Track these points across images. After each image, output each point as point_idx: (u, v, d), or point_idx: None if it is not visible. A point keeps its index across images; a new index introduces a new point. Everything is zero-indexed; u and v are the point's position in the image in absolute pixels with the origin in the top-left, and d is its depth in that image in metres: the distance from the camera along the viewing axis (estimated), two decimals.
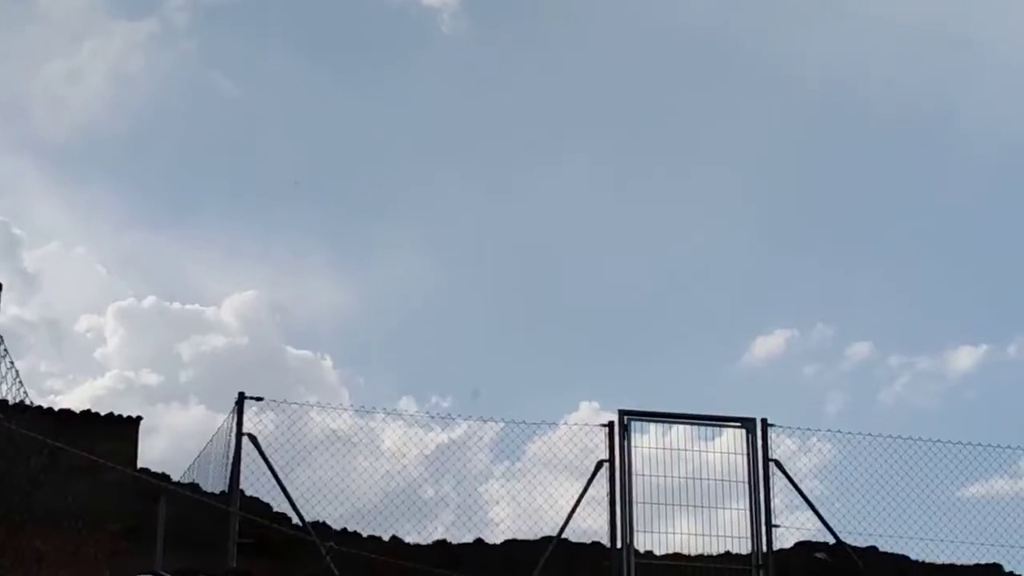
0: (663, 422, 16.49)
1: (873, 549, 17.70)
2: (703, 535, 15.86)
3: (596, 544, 17.49)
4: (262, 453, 15.60)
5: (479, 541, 18.59)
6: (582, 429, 16.23)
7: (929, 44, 46.74)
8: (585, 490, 15.99)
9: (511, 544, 18.88)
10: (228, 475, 15.62)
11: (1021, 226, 44.84)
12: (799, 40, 47.72)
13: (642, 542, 15.71)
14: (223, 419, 15.90)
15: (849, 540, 16.38)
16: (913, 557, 17.75)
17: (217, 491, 15.89)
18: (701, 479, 15.92)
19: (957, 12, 47.42)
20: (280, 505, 15.76)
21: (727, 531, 15.85)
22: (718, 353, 43.20)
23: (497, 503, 16.74)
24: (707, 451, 16.17)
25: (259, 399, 15.76)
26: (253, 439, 15.61)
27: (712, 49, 47.86)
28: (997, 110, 45.72)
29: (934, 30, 46.87)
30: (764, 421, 16.24)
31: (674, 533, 15.75)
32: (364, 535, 17.55)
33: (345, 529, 17.20)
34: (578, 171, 46.64)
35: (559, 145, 47.92)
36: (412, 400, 39.48)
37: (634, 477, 15.93)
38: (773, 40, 47.91)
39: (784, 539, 16.25)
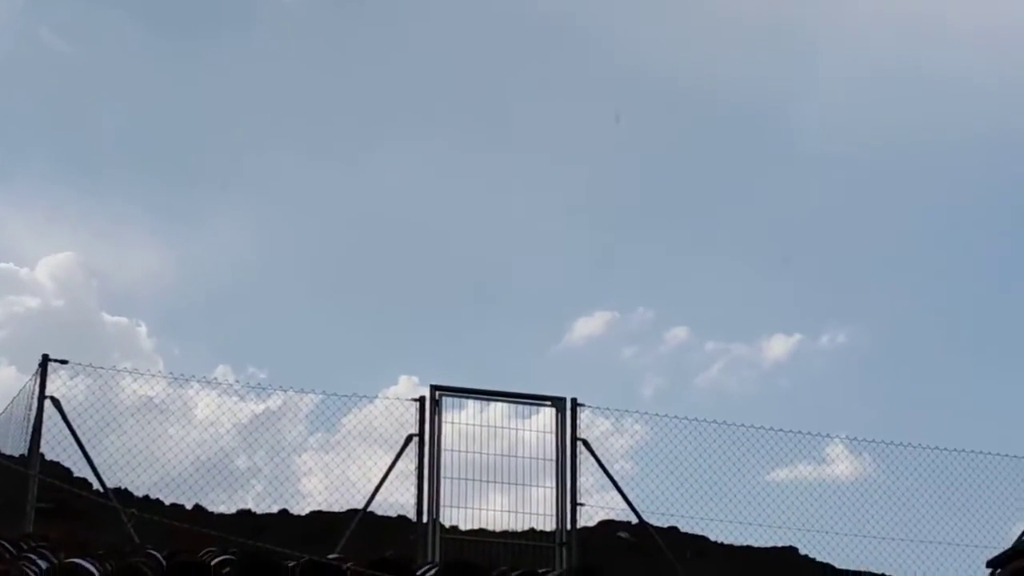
0: (473, 398, 16.53)
1: (674, 529, 18.00)
2: (512, 512, 15.96)
3: (402, 518, 17.47)
4: (64, 417, 15.25)
5: (284, 512, 18.44)
6: (398, 403, 16.17)
7: (767, 42, 47.59)
8: (393, 464, 15.94)
9: (317, 515, 18.78)
10: (28, 438, 15.23)
11: (837, 222, 46.07)
12: (639, 30, 48.23)
13: (451, 517, 15.72)
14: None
15: (652, 520, 16.60)
16: (712, 538, 18.10)
17: (17, 454, 15.48)
18: (512, 456, 16.00)
19: (794, 12, 48.37)
20: (82, 470, 15.42)
21: (535, 508, 15.95)
22: (540, 333, 43.56)
23: (310, 475, 16.61)
24: (519, 429, 16.26)
25: (64, 362, 15.39)
26: (56, 402, 15.26)
27: (553, 33, 48.12)
28: (827, 110, 46.79)
29: (773, 29, 47.75)
30: (574, 401, 16.37)
31: (483, 509, 15.81)
32: (167, 503, 17.29)
33: (147, 496, 16.91)
34: (412, 148, 46.56)
35: (394, 120, 47.80)
36: (229, 369, 38.92)
37: (443, 452, 15.91)
38: (613, 28, 48.35)
39: (589, 517, 16.41)
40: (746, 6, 48.33)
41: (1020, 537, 16.65)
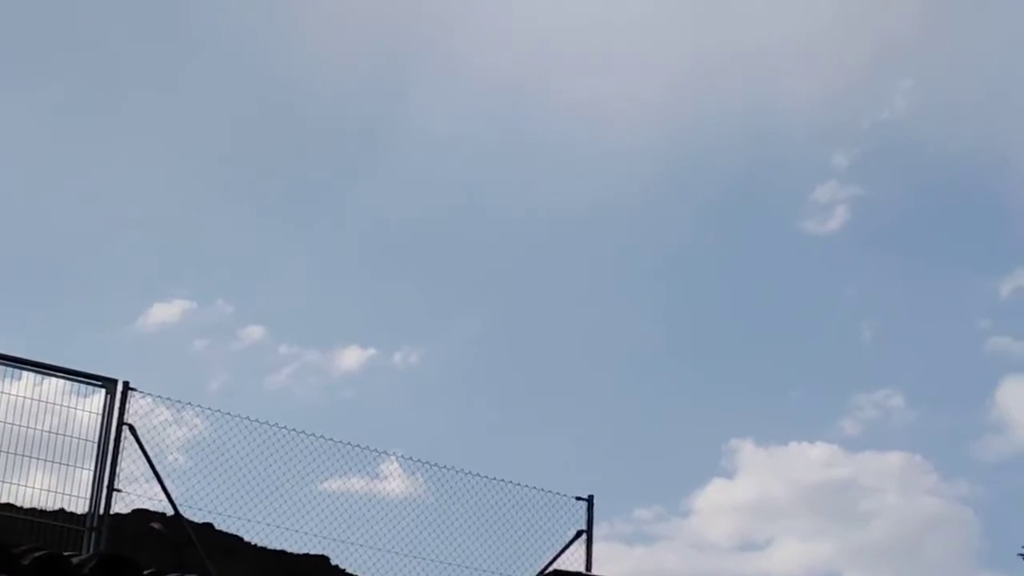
0: (15, 367, 15.81)
1: (209, 526, 17.78)
2: (48, 491, 15.38)
3: None
4: None
5: None
6: None
7: (375, 57, 47.65)
8: None
9: None
10: None
11: (431, 241, 46.63)
12: (258, 28, 47.58)
13: None
14: None
15: (190, 515, 16.39)
16: (247, 539, 17.98)
17: None
18: (60, 435, 15.44)
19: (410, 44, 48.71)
20: None
21: (73, 490, 15.46)
22: (117, 313, 42.32)
23: None
24: (73, 408, 15.71)
25: None
26: None
27: (178, 24, 46.81)
28: (428, 117, 47.26)
29: (386, 46, 47.85)
30: (126, 384, 15.91)
31: (17, 484, 15.18)
32: None
33: None
34: (20, 102, 44.29)
35: (6, 71, 45.38)
36: None
37: None
38: (229, 24, 47.48)
39: (127, 505, 15.98)
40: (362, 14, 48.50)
41: (543, 569, 17.38)
